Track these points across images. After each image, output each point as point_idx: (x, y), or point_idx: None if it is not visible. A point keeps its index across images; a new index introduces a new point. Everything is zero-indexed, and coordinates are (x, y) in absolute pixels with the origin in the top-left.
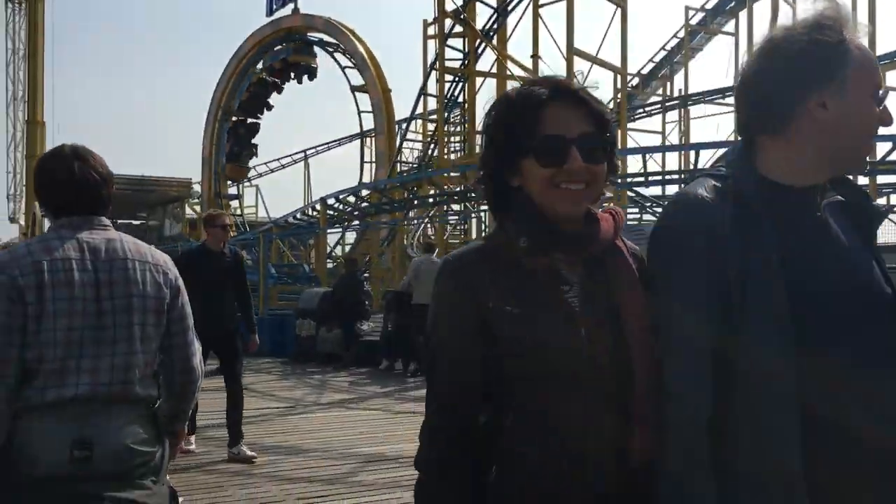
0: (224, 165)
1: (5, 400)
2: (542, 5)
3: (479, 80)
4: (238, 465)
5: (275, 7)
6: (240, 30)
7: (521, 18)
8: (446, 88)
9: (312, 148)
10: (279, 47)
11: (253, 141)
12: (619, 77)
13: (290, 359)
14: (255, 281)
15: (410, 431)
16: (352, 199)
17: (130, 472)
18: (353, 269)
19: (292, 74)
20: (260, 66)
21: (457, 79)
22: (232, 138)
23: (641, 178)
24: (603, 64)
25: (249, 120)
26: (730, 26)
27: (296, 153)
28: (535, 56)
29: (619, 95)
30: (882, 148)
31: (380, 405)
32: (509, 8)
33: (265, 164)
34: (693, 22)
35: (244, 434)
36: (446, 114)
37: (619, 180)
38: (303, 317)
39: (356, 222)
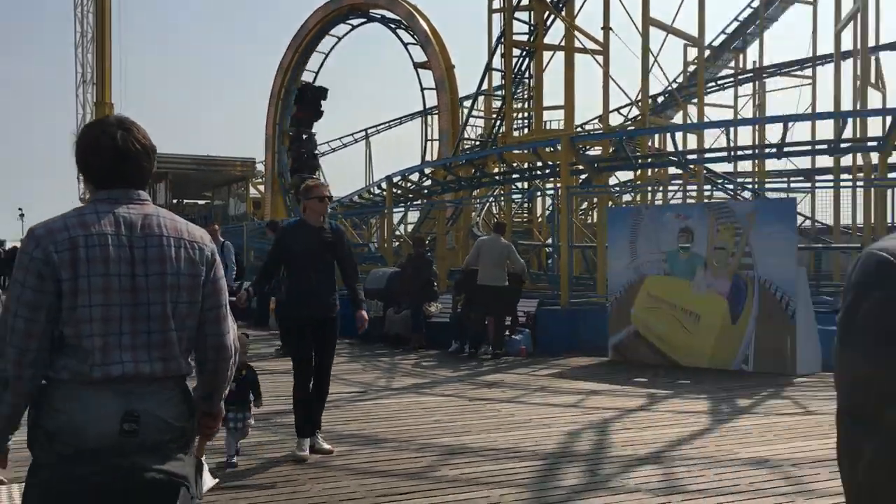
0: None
1: (17, 377)
2: None
3: (546, 54)
4: (313, 456)
5: None
6: (304, 6)
7: None
8: (513, 63)
9: (374, 126)
10: (341, 25)
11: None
12: (686, 50)
13: (357, 340)
14: None
15: (489, 422)
16: (415, 177)
17: (166, 445)
18: (420, 249)
19: None
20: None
21: (524, 53)
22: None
23: (714, 155)
24: (679, 34)
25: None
26: None
27: (357, 132)
28: (606, 28)
29: (690, 67)
30: None
31: (453, 391)
32: None
33: (327, 143)
34: None
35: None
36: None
37: (694, 156)
38: (370, 297)
39: (422, 201)
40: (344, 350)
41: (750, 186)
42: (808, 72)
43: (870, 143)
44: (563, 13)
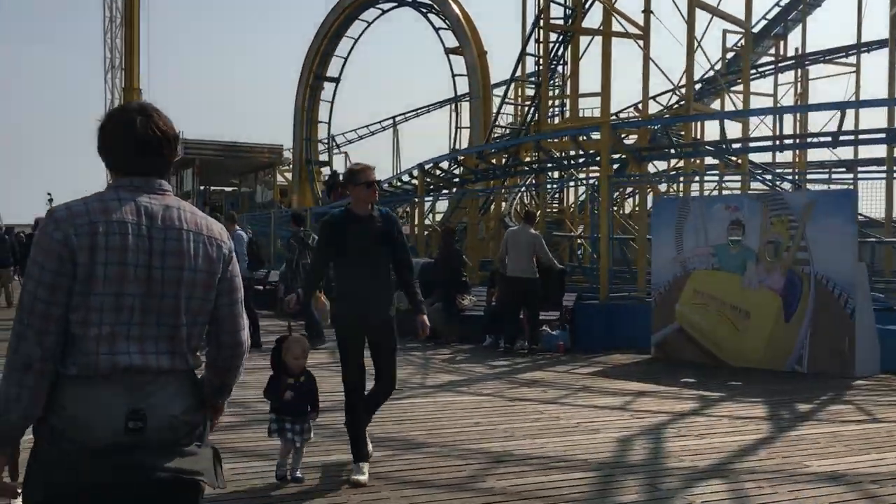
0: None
1: (40, 359)
2: None
3: (583, 40)
4: (350, 463)
5: None
6: None
7: None
8: (549, 49)
9: (401, 115)
10: (371, 9)
11: None
12: (725, 36)
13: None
14: None
15: (534, 426)
16: (445, 165)
17: (178, 441)
18: (450, 240)
19: None
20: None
21: (560, 38)
22: None
23: (758, 144)
24: (724, 16)
25: None
26: None
27: (384, 119)
28: (647, 11)
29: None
30: None
31: (491, 390)
32: None
33: (354, 130)
34: None
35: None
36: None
37: (738, 145)
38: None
39: (453, 190)
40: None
41: (790, 177)
42: (853, 59)
43: None
44: None
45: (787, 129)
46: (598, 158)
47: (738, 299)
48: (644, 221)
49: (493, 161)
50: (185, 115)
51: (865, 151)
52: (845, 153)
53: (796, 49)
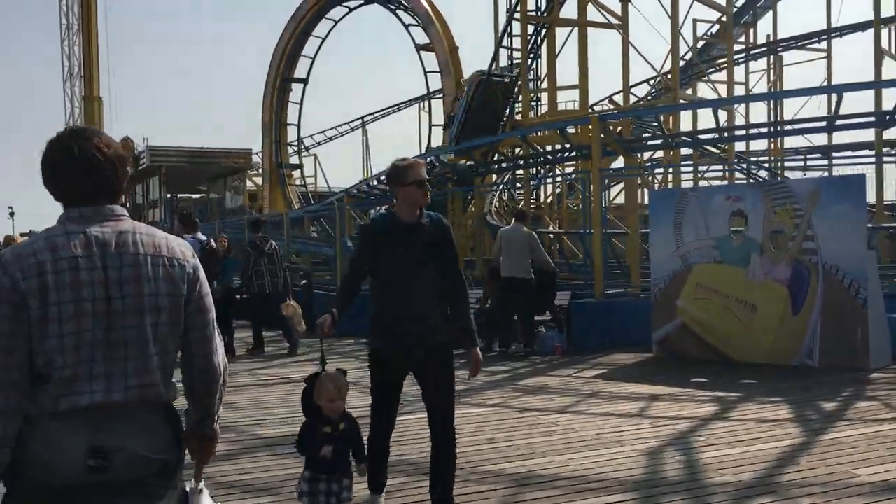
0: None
1: (14, 409)
2: None
3: (561, 33)
4: (364, 492)
5: None
6: None
7: None
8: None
9: (370, 114)
10: (337, 7)
11: None
12: (695, 26)
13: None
14: (331, 256)
15: (551, 440)
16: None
17: (145, 480)
18: None
19: None
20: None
21: (536, 29)
22: None
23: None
24: (706, 2)
25: None
26: None
27: (353, 120)
28: (625, 0)
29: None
30: None
31: (497, 399)
32: None
33: (322, 132)
34: None
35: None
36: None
37: (690, 138)
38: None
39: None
40: (362, 352)
41: (766, 166)
42: (824, 45)
43: None
44: None
45: (763, 117)
46: (581, 152)
47: (743, 292)
48: (635, 215)
49: (475, 157)
50: (149, 121)
51: (838, 137)
52: (819, 139)
53: (768, 36)
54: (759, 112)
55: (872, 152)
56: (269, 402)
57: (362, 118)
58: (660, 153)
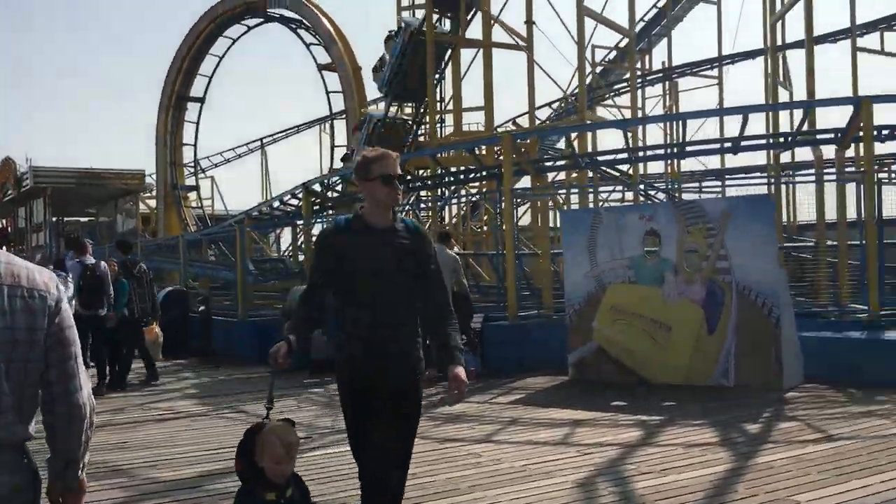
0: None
1: None
2: None
3: (466, 55)
4: None
5: None
6: (196, 6)
7: None
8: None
9: (270, 136)
10: (236, 25)
11: None
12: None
13: (276, 370)
14: (231, 280)
15: (476, 473)
16: (325, 185)
17: None
18: None
19: None
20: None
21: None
22: None
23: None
24: (609, 24)
25: None
26: None
27: (252, 141)
28: (530, 22)
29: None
30: None
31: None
32: None
33: (219, 153)
34: None
35: None
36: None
37: (591, 159)
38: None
39: (327, 212)
40: (265, 380)
41: (662, 187)
42: (715, 72)
43: (825, 136)
44: (481, 8)
45: (659, 141)
46: (490, 172)
47: (658, 313)
48: (545, 236)
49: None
50: (35, 142)
51: (730, 161)
52: (713, 162)
53: (663, 63)
54: (655, 136)
55: (765, 174)
56: (164, 441)
57: (261, 140)
58: (562, 175)
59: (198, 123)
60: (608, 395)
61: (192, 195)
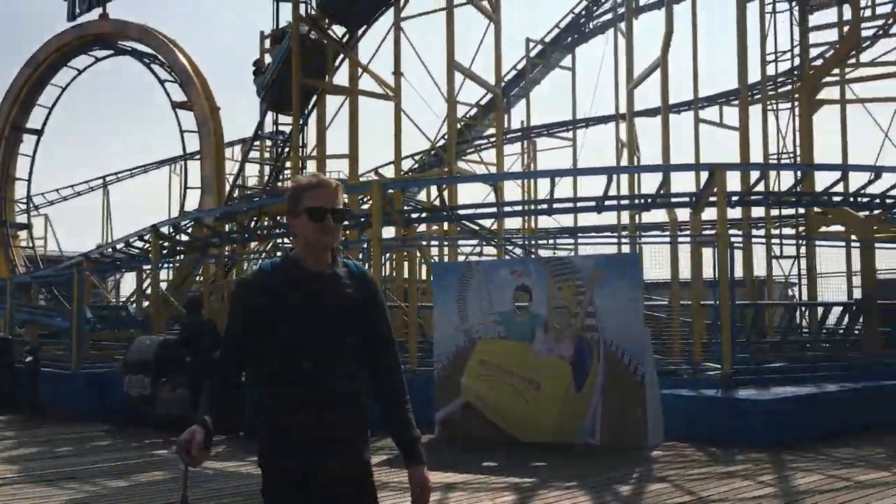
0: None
1: None
2: (405, 19)
3: (333, 102)
4: None
5: (78, 11)
6: (37, 34)
7: (386, 35)
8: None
9: (114, 174)
10: (83, 56)
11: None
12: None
13: (117, 426)
14: (65, 328)
15: None
16: (177, 228)
17: None
18: (198, 312)
19: None
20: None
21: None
22: None
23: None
24: (477, 80)
25: None
26: (567, 61)
27: (93, 179)
28: (398, 73)
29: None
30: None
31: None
32: (368, 22)
33: (56, 190)
34: (532, 55)
35: None
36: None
37: (458, 211)
38: (133, 372)
39: (177, 257)
40: (101, 439)
41: (520, 242)
42: (570, 134)
43: (680, 199)
44: (350, 54)
45: (516, 196)
46: (355, 221)
47: (528, 369)
48: (413, 287)
49: (242, 223)
50: None
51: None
52: (566, 220)
53: (522, 122)
54: (513, 192)
55: (615, 234)
56: None
57: (104, 177)
58: (423, 227)
59: (33, 157)
60: (478, 454)
61: (23, 234)
